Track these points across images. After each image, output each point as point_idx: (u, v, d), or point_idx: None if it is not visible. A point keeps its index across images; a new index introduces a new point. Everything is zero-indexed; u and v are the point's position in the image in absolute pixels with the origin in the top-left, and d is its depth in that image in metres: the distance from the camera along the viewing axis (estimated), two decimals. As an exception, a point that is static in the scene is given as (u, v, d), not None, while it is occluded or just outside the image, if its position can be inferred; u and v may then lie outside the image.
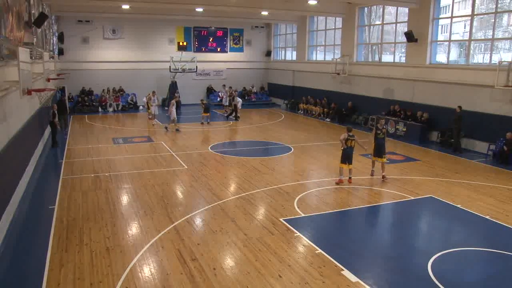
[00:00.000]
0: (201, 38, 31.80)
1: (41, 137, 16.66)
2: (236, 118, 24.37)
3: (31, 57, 11.64)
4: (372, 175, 12.80)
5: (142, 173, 13.14)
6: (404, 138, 19.05)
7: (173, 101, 21.33)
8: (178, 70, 29.02)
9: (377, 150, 12.50)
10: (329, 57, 26.79)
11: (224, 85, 30.21)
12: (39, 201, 10.88)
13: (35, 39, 15.00)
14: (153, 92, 23.22)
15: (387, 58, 22.96)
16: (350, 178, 12.12)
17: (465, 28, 18.67)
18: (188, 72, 29.72)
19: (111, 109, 27.83)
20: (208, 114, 22.79)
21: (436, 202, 10.80)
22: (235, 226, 9.03)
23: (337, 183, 11.97)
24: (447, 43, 18.99)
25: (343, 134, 12.14)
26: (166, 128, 20.90)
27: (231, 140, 19.15)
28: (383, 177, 12.35)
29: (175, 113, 20.85)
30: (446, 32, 19.23)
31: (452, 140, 17.28)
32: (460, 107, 16.38)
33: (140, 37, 29.74)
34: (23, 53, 9.18)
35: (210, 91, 31.90)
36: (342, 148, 12.00)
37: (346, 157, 11.94)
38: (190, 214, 9.74)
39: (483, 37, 17.96)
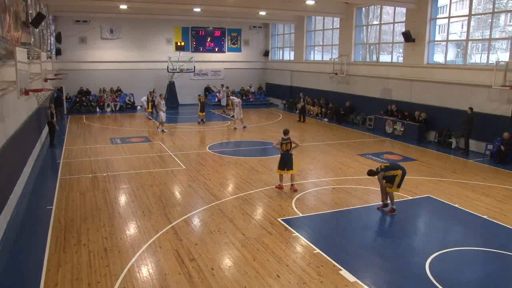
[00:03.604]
0: (199, 38, 31.78)
1: (39, 137, 16.62)
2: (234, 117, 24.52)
3: (28, 57, 11.63)
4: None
5: (140, 173, 13.13)
6: (402, 138, 19.08)
7: (239, 100, 21.53)
8: (176, 70, 28.98)
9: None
10: (327, 57, 26.81)
11: (222, 85, 30.35)
12: (36, 201, 10.85)
13: (32, 39, 14.96)
14: (161, 96, 21.83)
15: (384, 58, 23.00)
16: (292, 185, 11.33)
17: (462, 28, 18.73)
18: (186, 72, 29.70)
19: (109, 109, 27.78)
20: (204, 113, 22.78)
21: (434, 201, 10.83)
22: (233, 226, 9.03)
23: (276, 188, 11.53)
24: (445, 43, 19.03)
25: (277, 139, 11.45)
26: (235, 128, 21.24)
27: (228, 140, 19.15)
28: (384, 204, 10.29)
29: (241, 111, 21.38)
30: (444, 32, 19.28)
31: (450, 140, 17.35)
32: (471, 108, 16.12)
33: (138, 37, 29.70)
34: (21, 53, 9.15)
35: (208, 91, 31.89)
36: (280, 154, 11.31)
37: (284, 163, 11.26)
38: (188, 214, 9.74)
39: (480, 37, 18.01)
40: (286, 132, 11.39)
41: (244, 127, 21.43)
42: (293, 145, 11.38)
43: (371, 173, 9.96)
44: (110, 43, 29.20)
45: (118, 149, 16.56)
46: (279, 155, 11.52)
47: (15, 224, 9.21)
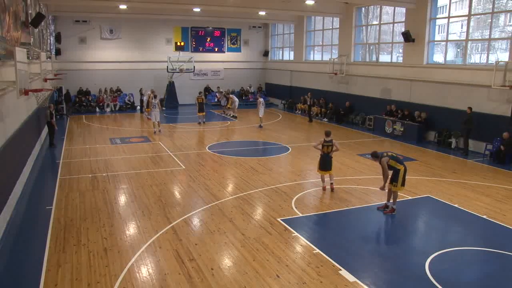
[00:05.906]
0: (199, 38, 31.79)
1: (39, 137, 16.62)
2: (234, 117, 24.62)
3: (28, 57, 11.63)
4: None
5: (139, 173, 13.13)
6: (401, 138, 19.09)
7: (261, 100, 22.09)
8: (175, 70, 28.98)
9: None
10: (326, 57, 26.81)
11: (218, 87, 30.36)
12: (36, 201, 10.85)
13: (32, 39, 14.95)
14: (153, 93, 20.70)
15: (384, 58, 23.00)
16: (331, 183, 11.36)
17: (462, 28, 18.74)
18: (186, 72, 29.71)
19: (108, 109, 27.78)
20: (204, 113, 22.78)
21: (434, 201, 10.83)
22: (232, 226, 9.03)
23: (323, 189, 11.49)
24: (444, 43, 19.04)
25: (318, 139, 11.48)
26: (261, 126, 21.94)
27: (228, 140, 19.14)
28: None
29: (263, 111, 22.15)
30: (443, 32, 19.29)
31: (450, 140, 17.37)
32: (470, 108, 16.11)
33: (138, 37, 29.70)
34: (20, 53, 9.15)
35: (207, 91, 31.89)
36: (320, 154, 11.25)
37: (324, 164, 11.25)
38: (188, 214, 9.74)
39: (480, 37, 18.02)
40: (328, 133, 11.33)
41: (260, 126, 21.95)
42: (334, 148, 11.25)
43: (375, 155, 9.81)
44: (109, 43, 29.20)
45: (117, 149, 16.55)
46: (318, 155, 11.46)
47: (15, 224, 9.21)
